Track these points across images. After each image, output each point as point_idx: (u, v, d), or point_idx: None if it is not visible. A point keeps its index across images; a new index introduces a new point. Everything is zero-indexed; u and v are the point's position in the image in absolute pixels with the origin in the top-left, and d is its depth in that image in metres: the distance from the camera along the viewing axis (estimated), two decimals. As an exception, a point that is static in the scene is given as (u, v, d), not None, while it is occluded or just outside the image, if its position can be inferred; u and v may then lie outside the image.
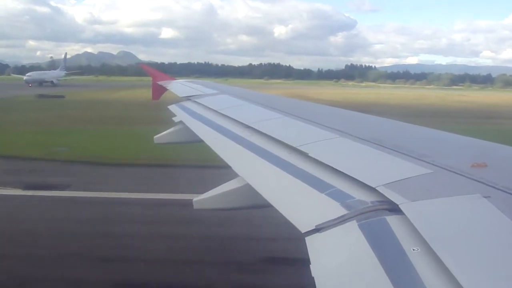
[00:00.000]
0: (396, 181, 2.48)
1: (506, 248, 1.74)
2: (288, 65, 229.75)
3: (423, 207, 2.12)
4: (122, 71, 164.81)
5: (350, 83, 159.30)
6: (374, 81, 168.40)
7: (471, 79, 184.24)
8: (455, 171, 2.56)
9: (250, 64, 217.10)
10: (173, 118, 7.37)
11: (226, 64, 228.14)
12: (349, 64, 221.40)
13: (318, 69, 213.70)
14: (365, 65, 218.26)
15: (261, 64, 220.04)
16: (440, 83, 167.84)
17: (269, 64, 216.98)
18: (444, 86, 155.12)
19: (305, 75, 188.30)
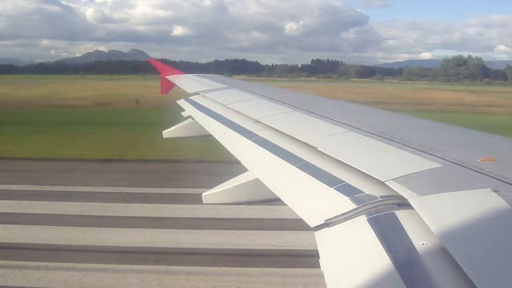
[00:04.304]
0: (405, 175, 2.46)
1: None
2: (255, 61, 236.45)
3: (432, 201, 2.11)
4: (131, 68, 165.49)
5: (301, 78, 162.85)
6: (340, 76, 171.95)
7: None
8: (465, 165, 2.54)
9: (216, 60, 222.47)
10: (182, 113, 7.37)
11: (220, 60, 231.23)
12: (315, 59, 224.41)
13: (272, 64, 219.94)
14: (331, 60, 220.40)
15: (226, 60, 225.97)
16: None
17: (235, 60, 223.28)
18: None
19: (270, 71, 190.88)
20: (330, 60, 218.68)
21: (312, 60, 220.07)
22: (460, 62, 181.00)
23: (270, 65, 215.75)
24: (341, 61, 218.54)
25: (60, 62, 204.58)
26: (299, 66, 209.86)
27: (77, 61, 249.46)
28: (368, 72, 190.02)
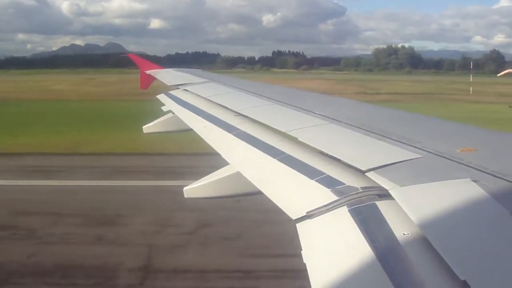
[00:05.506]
0: (386, 166, 2.48)
1: (494, 231, 1.76)
2: (216, 53, 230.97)
3: (413, 192, 2.13)
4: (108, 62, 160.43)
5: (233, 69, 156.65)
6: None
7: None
8: (445, 156, 2.57)
9: (177, 53, 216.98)
10: (162, 108, 7.32)
11: (216, 53, 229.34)
12: (276, 50, 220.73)
13: (225, 55, 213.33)
14: (292, 51, 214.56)
15: (187, 52, 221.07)
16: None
17: (196, 52, 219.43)
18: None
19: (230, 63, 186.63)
20: (291, 51, 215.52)
21: (273, 52, 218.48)
22: (390, 51, 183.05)
23: (228, 56, 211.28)
24: (302, 53, 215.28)
25: (9, 58, 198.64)
26: (257, 58, 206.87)
27: (51, 55, 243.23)
28: (309, 62, 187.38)
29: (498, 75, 78.75)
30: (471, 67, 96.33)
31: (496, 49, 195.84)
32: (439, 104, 48.96)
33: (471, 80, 76.63)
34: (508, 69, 74.09)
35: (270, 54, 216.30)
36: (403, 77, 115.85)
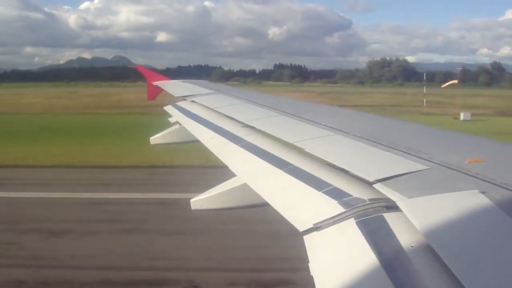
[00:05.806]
0: (393, 178, 2.47)
1: (502, 243, 1.75)
2: (219, 66, 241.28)
3: (421, 203, 2.12)
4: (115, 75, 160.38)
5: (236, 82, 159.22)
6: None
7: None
8: (452, 167, 2.56)
9: (179, 66, 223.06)
10: (169, 119, 7.35)
11: (222, 67, 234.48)
12: (277, 63, 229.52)
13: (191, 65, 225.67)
14: (295, 65, 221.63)
15: (189, 65, 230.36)
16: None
17: (199, 65, 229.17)
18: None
19: (227, 75, 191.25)
20: (293, 64, 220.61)
21: (275, 65, 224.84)
22: (384, 64, 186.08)
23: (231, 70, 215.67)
24: (304, 66, 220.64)
25: (8, 71, 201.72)
26: (258, 71, 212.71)
27: (57, 68, 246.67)
28: (306, 75, 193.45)
29: (442, 86, 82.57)
30: (424, 78, 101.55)
31: (498, 61, 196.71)
32: (386, 116, 49.43)
33: (424, 91, 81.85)
34: (452, 80, 77.11)
35: (272, 67, 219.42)
36: (387, 90, 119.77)
